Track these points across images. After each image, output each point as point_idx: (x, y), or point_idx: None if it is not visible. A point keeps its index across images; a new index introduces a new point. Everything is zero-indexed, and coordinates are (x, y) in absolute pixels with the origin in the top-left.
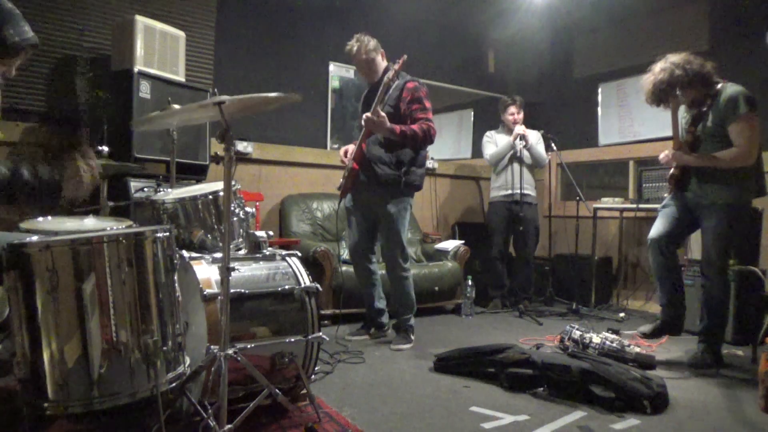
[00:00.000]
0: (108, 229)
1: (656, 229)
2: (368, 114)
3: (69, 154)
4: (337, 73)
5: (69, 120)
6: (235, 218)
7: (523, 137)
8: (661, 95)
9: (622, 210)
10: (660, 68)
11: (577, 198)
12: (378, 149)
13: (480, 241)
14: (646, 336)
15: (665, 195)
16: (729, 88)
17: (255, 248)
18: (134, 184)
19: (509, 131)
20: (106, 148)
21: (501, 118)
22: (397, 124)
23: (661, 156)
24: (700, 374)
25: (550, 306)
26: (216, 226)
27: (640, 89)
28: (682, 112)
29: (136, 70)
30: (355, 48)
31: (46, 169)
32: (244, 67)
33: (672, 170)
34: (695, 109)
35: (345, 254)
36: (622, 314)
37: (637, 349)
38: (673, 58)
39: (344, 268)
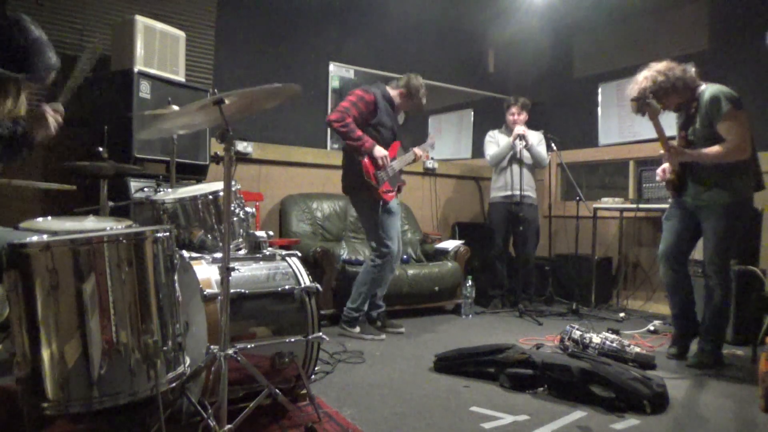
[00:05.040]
0: (108, 229)
1: (664, 244)
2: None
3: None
4: (337, 73)
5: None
6: (235, 218)
7: (522, 137)
8: (641, 104)
9: (622, 210)
10: (643, 76)
11: (577, 198)
12: None
13: (480, 241)
14: (676, 357)
15: (669, 200)
16: (709, 90)
17: (255, 248)
18: (134, 184)
19: (510, 132)
20: (101, 149)
21: (505, 119)
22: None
23: (658, 172)
24: (700, 374)
25: (550, 306)
26: (216, 226)
27: (627, 97)
28: (675, 119)
29: (136, 70)
30: (425, 96)
31: (7, 123)
32: (244, 67)
33: (668, 176)
34: (683, 114)
35: (345, 254)
36: (622, 314)
37: (637, 349)
38: (656, 66)
39: (344, 267)
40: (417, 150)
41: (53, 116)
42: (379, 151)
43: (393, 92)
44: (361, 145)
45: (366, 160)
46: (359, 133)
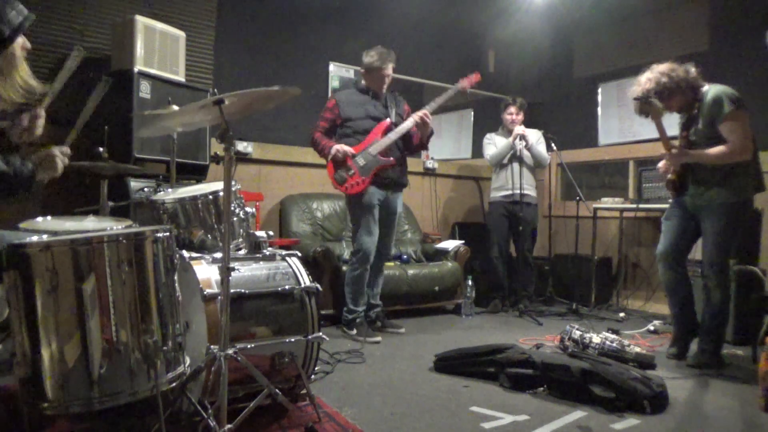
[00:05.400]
0: (108, 229)
1: (663, 243)
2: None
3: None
4: (337, 73)
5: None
6: (235, 218)
7: (523, 137)
8: (644, 106)
9: (622, 210)
10: (646, 78)
11: (577, 198)
12: (396, 150)
13: (480, 241)
14: (676, 357)
15: (669, 200)
16: (712, 90)
17: (255, 248)
18: (134, 184)
19: (508, 132)
20: (101, 149)
21: (501, 118)
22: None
23: (660, 165)
24: (700, 374)
25: (550, 306)
26: (216, 226)
27: (629, 98)
28: (677, 119)
29: (136, 70)
30: (389, 61)
31: (16, 158)
32: (244, 67)
33: (669, 176)
34: (685, 114)
35: (345, 254)
36: (622, 314)
37: (637, 349)
38: (659, 68)
39: (344, 268)
40: (415, 115)
41: (61, 158)
42: (334, 149)
43: (363, 81)
44: (327, 153)
45: (329, 164)
46: (323, 143)
